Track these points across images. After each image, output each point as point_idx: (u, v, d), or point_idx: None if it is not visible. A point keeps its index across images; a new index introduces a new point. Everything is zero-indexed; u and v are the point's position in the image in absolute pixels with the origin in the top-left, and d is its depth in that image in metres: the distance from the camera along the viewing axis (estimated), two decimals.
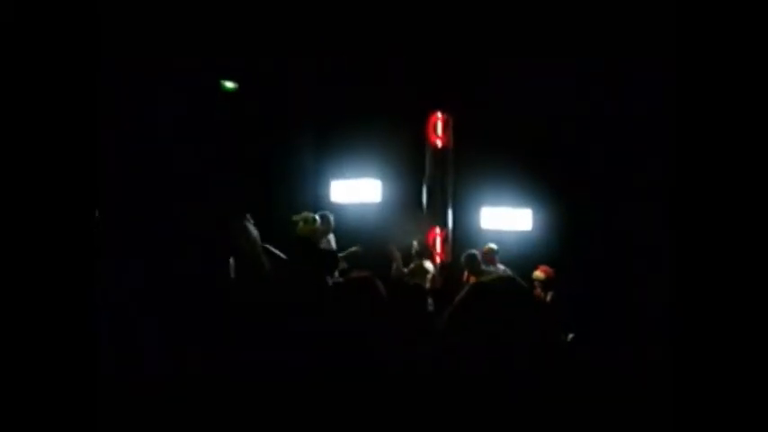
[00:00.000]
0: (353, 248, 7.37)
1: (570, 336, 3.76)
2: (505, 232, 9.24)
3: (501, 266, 7.36)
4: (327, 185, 9.55)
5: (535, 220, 9.59)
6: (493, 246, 7.63)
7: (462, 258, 7.30)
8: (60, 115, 2.61)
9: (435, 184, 9.25)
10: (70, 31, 2.59)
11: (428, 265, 7.60)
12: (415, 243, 7.95)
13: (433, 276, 7.44)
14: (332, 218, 7.59)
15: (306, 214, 7.16)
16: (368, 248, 7.28)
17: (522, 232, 9.45)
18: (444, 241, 8.86)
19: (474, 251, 7.35)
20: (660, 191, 6.77)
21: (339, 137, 9.65)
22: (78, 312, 2.67)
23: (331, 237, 7.54)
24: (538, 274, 6.80)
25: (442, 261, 8.16)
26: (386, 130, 9.17)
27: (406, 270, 7.47)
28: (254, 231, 5.82)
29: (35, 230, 2.61)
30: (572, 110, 9.05)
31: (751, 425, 2.03)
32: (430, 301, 6.33)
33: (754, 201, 2.05)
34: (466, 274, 7.18)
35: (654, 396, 2.21)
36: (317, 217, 7.19)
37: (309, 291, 4.69)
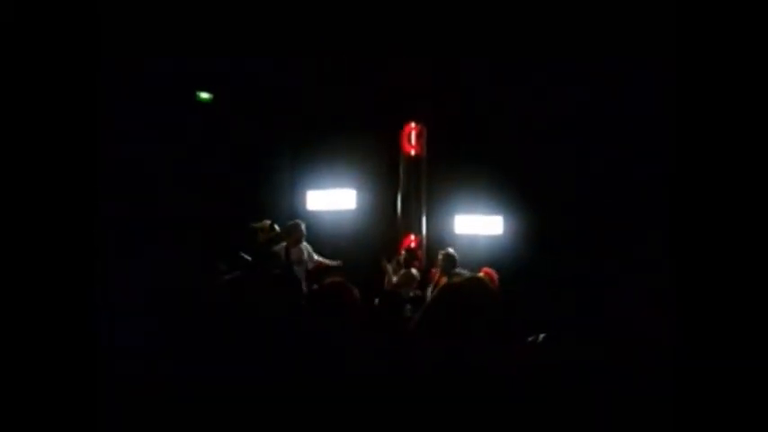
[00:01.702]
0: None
1: (542, 336, 3.80)
2: (478, 237, 9.39)
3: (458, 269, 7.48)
4: (303, 195, 9.58)
5: (506, 226, 9.75)
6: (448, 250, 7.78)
7: (440, 256, 7.37)
8: (60, 115, 2.61)
9: (409, 192, 9.37)
10: (70, 31, 2.60)
11: (415, 272, 7.68)
12: (403, 252, 8.10)
13: (417, 283, 7.52)
14: (303, 226, 7.56)
15: (264, 222, 7.16)
16: (357, 262, 7.38)
17: (494, 237, 9.61)
18: (419, 247, 8.96)
19: (452, 251, 7.43)
20: (653, 192, 6.91)
21: (314, 147, 9.69)
22: (78, 312, 2.67)
23: (305, 245, 7.52)
24: (481, 276, 6.88)
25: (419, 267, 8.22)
26: (360, 141, 9.26)
27: (395, 279, 7.55)
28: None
29: (35, 230, 2.60)
30: (542, 118, 9.24)
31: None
32: (409, 306, 6.43)
33: (754, 201, 2.09)
34: (437, 274, 7.26)
35: (641, 396, 2.25)
36: (276, 225, 7.21)
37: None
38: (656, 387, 2.21)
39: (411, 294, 7.27)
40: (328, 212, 9.38)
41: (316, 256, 7.63)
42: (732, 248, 2.14)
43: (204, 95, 8.69)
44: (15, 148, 2.57)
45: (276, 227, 7.27)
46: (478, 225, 9.65)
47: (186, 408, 2.68)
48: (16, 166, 2.56)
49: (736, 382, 2.09)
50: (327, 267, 7.52)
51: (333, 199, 9.49)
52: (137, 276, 3.28)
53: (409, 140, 9.36)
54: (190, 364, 2.80)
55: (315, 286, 6.44)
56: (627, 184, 8.69)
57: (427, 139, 9.44)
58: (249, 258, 6.14)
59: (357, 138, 9.23)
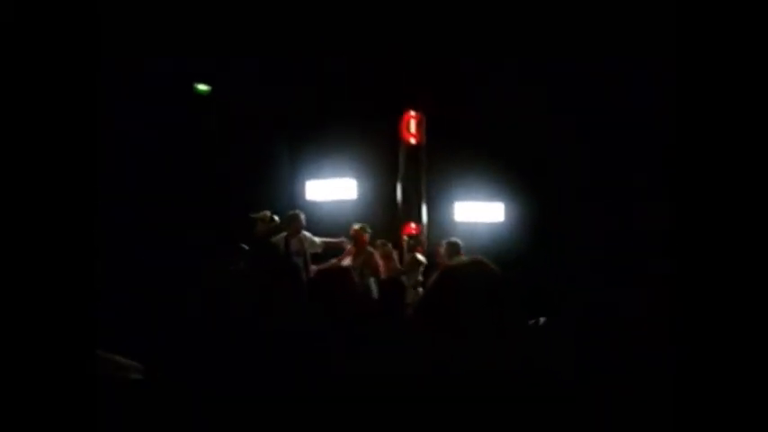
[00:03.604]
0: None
1: (542, 319, 3.80)
2: (479, 224, 9.41)
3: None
4: (303, 185, 9.57)
5: (507, 212, 9.76)
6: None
7: (444, 245, 7.40)
8: (60, 115, 2.60)
9: (409, 180, 9.37)
10: (70, 31, 2.58)
11: (420, 257, 7.70)
12: (406, 238, 8.13)
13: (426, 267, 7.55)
14: (303, 216, 7.55)
15: (263, 213, 7.17)
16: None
17: (495, 224, 9.62)
18: (420, 235, 8.99)
19: (455, 239, 7.46)
20: (655, 189, 6.91)
21: (313, 137, 9.68)
22: (78, 311, 2.67)
23: (305, 235, 7.52)
24: (481, 258, 6.88)
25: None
26: (359, 130, 9.24)
27: (400, 266, 7.57)
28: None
29: (35, 231, 2.59)
30: (541, 107, 9.21)
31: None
32: (421, 290, 6.48)
33: (756, 201, 2.08)
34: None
35: (644, 387, 2.24)
36: (275, 216, 7.22)
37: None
38: (657, 387, 2.21)
39: (420, 279, 7.29)
40: (328, 202, 9.38)
41: (318, 240, 7.62)
42: (734, 248, 2.14)
43: (202, 87, 8.66)
44: (15, 149, 2.56)
45: (276, 218, 7.28)
46: (479, 212, 9.66)
47: (186, 408, 2.70)
48: (15, 167, 2.56)
49: (736, 381, 2.09)
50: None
51: (332, 189, 9.49)
52: (136, 276, 3.28)
53: (408, 129, 9.33)
54: (190, 363, 2.82)
55: (314, 269, 6.51)
56: (627, 168, 8.68)
57: (426, 127, 9.42)
58: (248, 249, 6.17)
59: (356, 127, 9.21)
